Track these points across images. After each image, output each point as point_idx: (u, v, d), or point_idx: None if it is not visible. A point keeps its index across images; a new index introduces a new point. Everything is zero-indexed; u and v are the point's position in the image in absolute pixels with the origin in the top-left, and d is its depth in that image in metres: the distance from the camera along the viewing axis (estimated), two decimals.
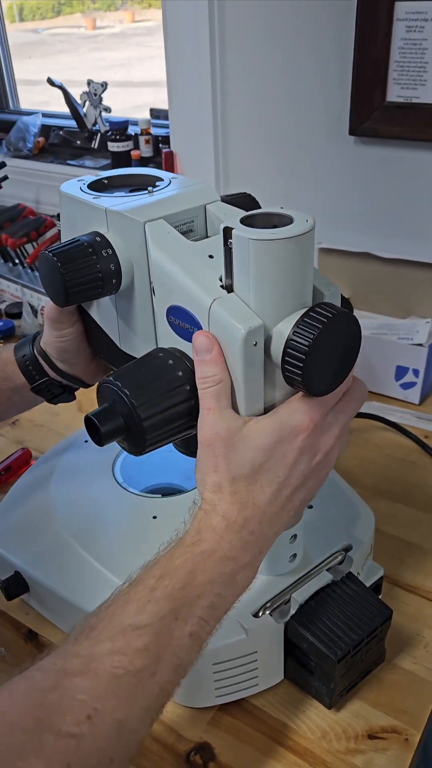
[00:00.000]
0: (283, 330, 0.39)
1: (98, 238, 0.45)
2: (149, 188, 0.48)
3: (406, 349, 0.85)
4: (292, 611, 0.51)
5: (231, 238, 0.39)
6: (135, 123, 1.11)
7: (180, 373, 0.42)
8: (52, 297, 0.47)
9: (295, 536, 0.52)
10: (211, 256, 0.44)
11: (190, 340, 0.42)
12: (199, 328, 0.42)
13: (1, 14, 1.40)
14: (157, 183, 0.50)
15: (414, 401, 0.87)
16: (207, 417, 0.41)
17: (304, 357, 0.38)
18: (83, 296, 0.45)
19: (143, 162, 1.06)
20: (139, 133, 1.08)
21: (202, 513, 0.41)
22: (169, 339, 0.45)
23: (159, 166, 1.03)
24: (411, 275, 0.91)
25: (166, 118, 1.11)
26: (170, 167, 1.02)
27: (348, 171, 0.90)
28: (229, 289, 0.41)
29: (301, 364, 0.38)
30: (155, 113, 1.15)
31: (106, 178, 0.51)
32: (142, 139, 1.07)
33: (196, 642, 0.39)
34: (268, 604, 0.51)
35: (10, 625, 0.60)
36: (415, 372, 0.85)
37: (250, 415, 0.41)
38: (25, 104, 1.46)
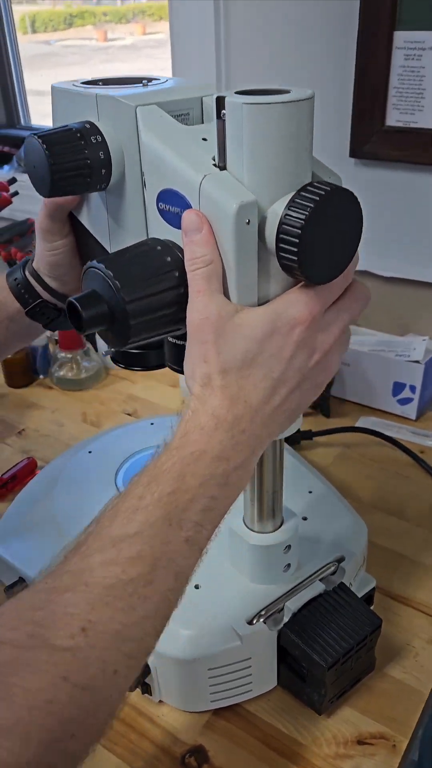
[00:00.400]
0: (277, 210, 0.37)
1: (88, 125, 0.43)
2: (143, 81, 0.46)
3: (403, 365, 0.87)
4: (285, 619, 0.53)
5: (224, 109, 0.37)
6: None
7: (168, 259, 0.39)
8: (37, 186, 0.44)
9: (289, 547, 0.54)
10: (204, 139, 0.41)
11: (175, 224, 0.40)
12: (185, 201, 0.39)
13: (14, 33, 1.44)
14: (153, 80, 0.47)
15: (411, 417, 0.89)
16: (196, 300, 0.38)
17: (299, 234, 0.35)
18: (70, 186, 0.42)
19: None
20: None
21: (190, 413, 0.38)
22: (161, 232, 0.42)
23: None
24: (409, 294, 0.93)
25: None
26: None
27: None
28: (222, 167, 0.38)
29: (297, 242, 0.35)
30: None
31: (101, 78, 0.48)
32: None
33: (193, 548, 0.37)
34: (263, 612, 0.53)
35: None
36: (412, 388, 0.87)
37: (243, 305, 0.39)
38: (35, 115, 1.49)
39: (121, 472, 0.69)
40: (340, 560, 0.57)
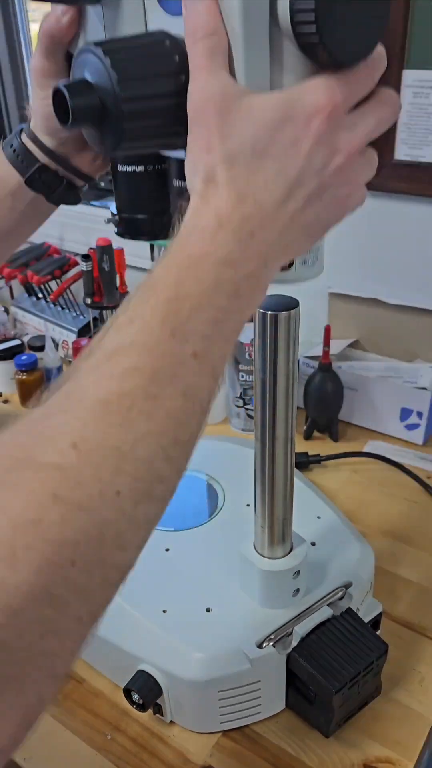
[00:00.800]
0: None
1: None
2: None
3: (410, 392, 0.89)
4: (294, 643, 0.54)
5: None
6: None
7: (177, 58, 0.33)
8: None
9: (298, 572, 0.56)
10: None
11: (174, 10, 0.34)
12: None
13: (30, 49, 1.48)
14: None
15: (418, 442, 0.90)
16: (198, 78, 0.32)
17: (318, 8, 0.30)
18: None
19: None
20: None
21: (190, 213, 0.32)
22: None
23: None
24: (417, 321, 0.95)
25: None
26: None
27: (358, 223, 0.95)
28: None
29: (315, 7, 0.30)
30: None
31: None
32: None
33: (204, 364, 0.31)
34: (272, 636, 0.54)
35: None
36: (419, 414, 0.89)
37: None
38: None
39: None
40: (348, 586, 0.59)
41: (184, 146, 0.33)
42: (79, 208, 1.24)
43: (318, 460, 0.86)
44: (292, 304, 0.46)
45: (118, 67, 0.32)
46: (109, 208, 1.23)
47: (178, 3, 0.33)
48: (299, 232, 0.34)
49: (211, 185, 0.31)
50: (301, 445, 0.91)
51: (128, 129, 0.33)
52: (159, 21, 0.36)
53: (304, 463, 0.86)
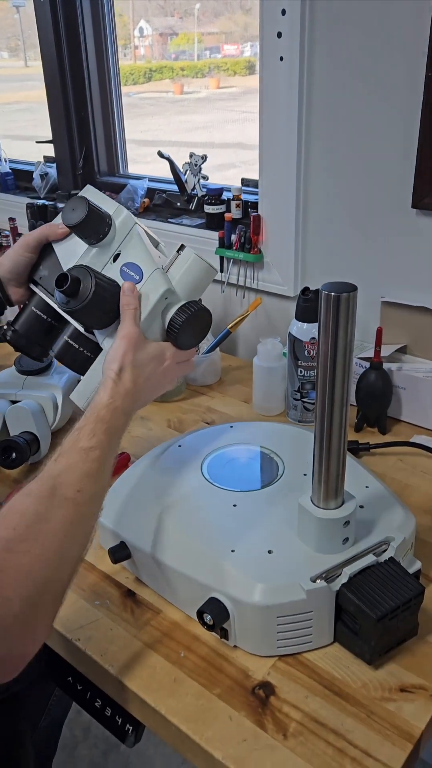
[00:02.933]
0: (175, 306, 0.72)
1: (110, 213, 0.76)
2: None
3: None
4: (343, 581, 0.64)
5: (182, 250, 0.74)
6: (228, 189, 1.30)
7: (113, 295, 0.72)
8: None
9: (348, 522, 0.66)
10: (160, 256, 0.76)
11: (130, 279, 0.73)
12: (140, 274, 0.73)
13: (119, 87, 1.63)
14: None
15: None
16: (125, 322, 0.70)
17: (178, 324, 0.71)
18: (94, 231, 0.74)
19: (234, 223, 1.24)
20: (231, 198, 1.26)
21: (106, 384, 0.67)
22: (110, 273, 0.74)
23: (247, 227, 1.21)
24: None
25: (255, 186, 1.29)
26: (257, 228, 1.20)
27: (410, 239, 1.05)
28: (166, 271, 0.74)
29: (176, 329, 0.71)
30: (245, 182, 1.34)
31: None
32: (233, 204, 1.26)
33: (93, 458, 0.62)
34: (324, 574, 0.64)
35: (114, 584, 0.75)
36: None
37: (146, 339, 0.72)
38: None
39: (206, 462, 0.82)
40: (391, 540, 0.68)
41: (100, 329, 0.74)
42: (158, 224, 1.38)
43: (367, 447, 0.96)
44: (351, 288, 0.56)
45: (97, 291, 0.70)
46: (183, 223, 1.37)
47: (127, 275, 0.73)
48: (148, 399, 0.73)
49: (122, 373, 0.67)
50: (352, 436, 1.00)
51: (87, 311, 0.71)
52: (113, 273, 0.74)
53: (355, 449, 0.95)
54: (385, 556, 0.67)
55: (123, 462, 0.94)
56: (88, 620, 0.71)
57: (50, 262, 0.78)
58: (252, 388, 1.10)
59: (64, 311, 0.72)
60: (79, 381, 0.76)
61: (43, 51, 1.56)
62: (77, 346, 0.76)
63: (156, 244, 0.78)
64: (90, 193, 0.77)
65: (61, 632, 0.70)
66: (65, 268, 0.74)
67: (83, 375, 0.76)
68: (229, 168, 1.31)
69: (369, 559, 0.66)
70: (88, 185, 0.79)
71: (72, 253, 0.76)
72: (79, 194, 0.75)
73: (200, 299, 0.75)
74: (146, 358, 0.70)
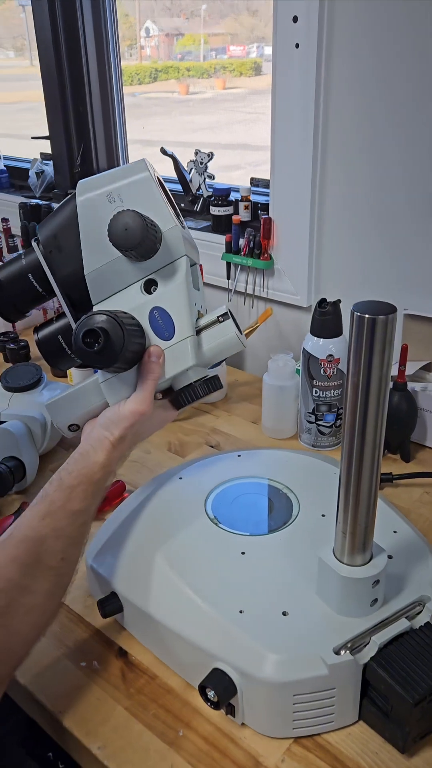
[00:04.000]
0: (193, 379, 0.65)
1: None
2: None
3: None
4: (372, 653, 0.54)
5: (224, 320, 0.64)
6: (236, 190, 1.20)
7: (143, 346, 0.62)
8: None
9: (377, 581, 0.56)
10: (195, 303, 0.64)
11: (158, 331, 0.62)
12: (171, 332, 0.62)
13: (121, 86, 1.55)
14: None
15: None
16: (142, 394, 0.61)
17: (193, 398, 0.65)
18: (147, 251, 0.60)
19: (242, 226, 1.14)
20: (239, 199, 1.17)
21: (102, 447, 0.60)
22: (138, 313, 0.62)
23: (257, 230, 1.12)
24: None
25: (266, 186, 1.20)
26: (267, 232, 1.10)
27: None
28: (198, 332, 0.63)
29: (190, 400, 0.65)
30: (255, 181, 1.25)
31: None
32: (241, 205, 1.16)
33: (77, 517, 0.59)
34: (349, 644, 0.54)
35: (104, 642, 0.66)
36: None
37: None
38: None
39: (211, 498, 0.72)
40: (426, 600, 0.58)
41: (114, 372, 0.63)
42: None
43: (390, 478, 0.86)
44: (389, 309, 0.46)
45: (124, 353, 0.58)
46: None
47: (157, 324, 0.62)
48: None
49: (122, 441, 0.61)
50: None
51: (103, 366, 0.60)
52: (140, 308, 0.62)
53: None
54: (420, 620, 0.57)
55: (117, 491, 0.85)
56: (72, 687, 0.61)
57: (68, 239, 0.62)
58: (261, 407, 1.00)
59: (81, 360, 0.60)
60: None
61: (39, 44, 1.48)
62: (65, 347, 0.67)
63: (192, 264, 0.65)
64: (142, 185, 0.60)
65: (41, 701, 0.60)
66: (87, 266, 0.61)
67: (54, 368, 0.72)
68: (235, 169, 1.22)
69: (401, 625, 0.56)
70: (144, 162, 0.62)
71: (100, 250, 0.61)
72: (128, 207, 0.59)
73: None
74: (145, 426, 0.65)
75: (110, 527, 0.71)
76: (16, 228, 1.43)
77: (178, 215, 0.64)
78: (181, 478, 0.76)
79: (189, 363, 0.62)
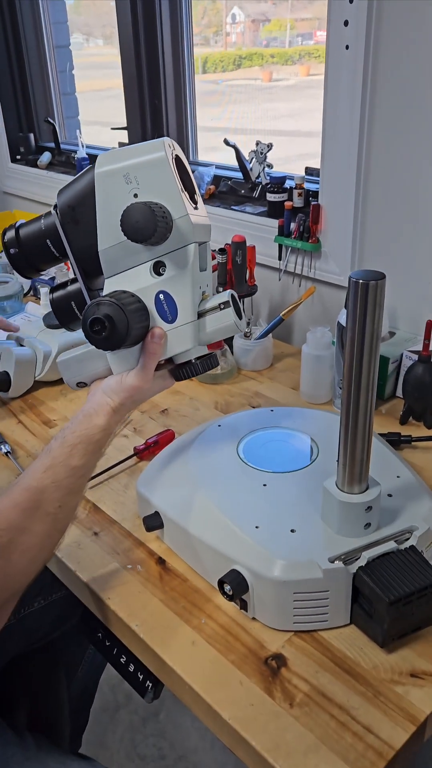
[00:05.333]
0: (192, 356, 0.72)
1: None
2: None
3: None
4: (361, 564, 0.65)
5: (225, 308, 0.70)
6: (291, 178, 1.31)
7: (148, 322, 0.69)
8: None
9: (370, 507, 0.67)
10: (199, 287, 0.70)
11: (162, 314, 0.68)
12: (174, 316, 0.68)
13: (192, 74, 1.65)
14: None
15: None
16: (143, 371, 0.68)
17: (192, 373, 0.72)
18: (160, 236, 0.64)
19: (294, 212, 1.25)
20: (293, 186, 1.27)
21: (103, 410, 0.68)
22: (143, 291, 0.68)
23: (307, 216, 1.22)
24: None
25: (318, 176, 1.30)
26: (316, 218, 1.21)
27: None
28: (199, 315, 0.69)
29: (188, 374, 0.72)
30: (309, 171, 1.35)
31: None
32: (295, 192, 1.27)
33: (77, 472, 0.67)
34: (343, 556, 0.66)
35: (146, 551, 0.80)
36: None
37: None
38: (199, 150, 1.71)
39: (242, 443, 0.84)
40: (414, 529, 0.69)
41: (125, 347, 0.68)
42: (222, 211, 1.41)
43: (409, 440, 0.95)
44: (378, 276, 0.57)
45: (128, 338, 0.65)
46: (245, 211, 1.39)
47: (162, 311, 0.68)
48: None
49: (122, 407, 0.68)
50: (396, 428, 1.00)
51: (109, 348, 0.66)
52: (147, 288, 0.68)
53: (396, 441, 0.95)
54: (407, 545, 0.67)
55: (167, 438, 0.98)
56: (120, 582, 0.75)
57: (85, 212, 0.66)
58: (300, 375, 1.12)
59: (90, 342, 0.65)
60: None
61: (121, 38, 1.60)
62: (76, 311, 0.73)
63: (203, 268, 0.70)
64: (159, 170, 0.63)
65: (94, 590, 0.74)
66: (101, 243, 0.66)
67: (65, 328, 0.76)
68: (314, 157, 1.31)
69: (389, 546, 0.67)
70: (162, 142, 0.63)
71: (114, 229, 0.64)
72: (139, 200, 0.63)
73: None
74: (145, 395, 0.72)
75: (157, 463, 0.85)
76: None
77: (193, 194, 0.68)
78: (219, 426, 0.89)
79: (188, 346, 0.68)
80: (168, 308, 0.68)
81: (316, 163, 1.25)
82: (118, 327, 0.63)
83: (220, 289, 1.21)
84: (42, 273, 0.74)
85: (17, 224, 0.72)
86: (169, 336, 0.69)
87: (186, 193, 0.66)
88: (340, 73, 1.08)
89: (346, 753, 0.56)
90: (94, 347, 0.66)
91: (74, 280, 0.73)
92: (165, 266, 0.67)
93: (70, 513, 0.66)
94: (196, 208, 0.68)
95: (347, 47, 1.06)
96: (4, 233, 0.71)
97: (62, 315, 0.73)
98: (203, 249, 0.70)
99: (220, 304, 0.69)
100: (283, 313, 1.18)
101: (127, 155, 0.65)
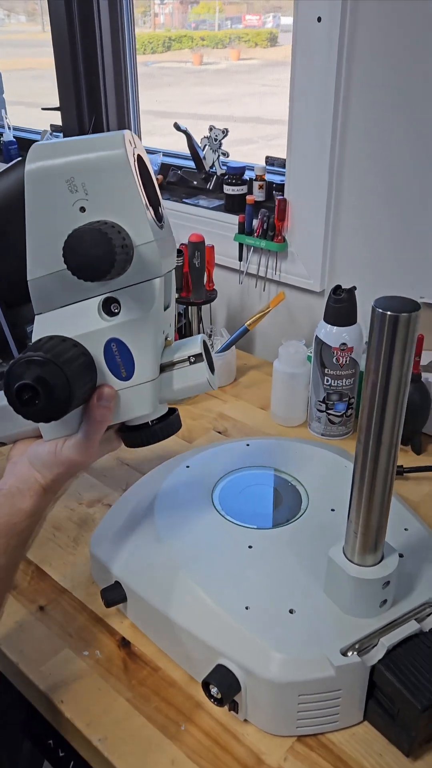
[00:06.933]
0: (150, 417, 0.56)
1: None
2: None
3: None
4: (380, 655, 0.53)
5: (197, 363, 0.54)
6: (251, 168, 1.17)
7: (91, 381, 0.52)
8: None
9: (388, 582, 0.54)
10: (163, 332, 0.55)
11: (113, 368, 0.52)
12: (130, 372, 0.52)
13: (134, 56, 1.50)
14: None
15: None
16: (84, 444, 0.52)
17: (151, 441, 0.57)
18: (120, 269, 0.47)
19: (256, 207, 1.11)
20: (254, 178, 1.14)
21: (41, 490, 0.54)
22: (90, 337, 0.51)
23: (271, 211, 1.09)
24: None
25: (281, 166, 1.16)
26: (282, 214, 1.07)
27: None
28: (163, 369, 0.54)
29: (147, 442, 0.56)
30: (270, 160, 1.21)
31: None
32: (256, 185, 1.13)
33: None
34: (357, 645, 0.53)
35: (107, 631, 0.65)
36: None
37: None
38: None
39: (217, 489, 0.71)
40: None
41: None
42: (172, 204, 1.25)
43: (400, 471, 0.84)
44: (413, 307, 0.44)
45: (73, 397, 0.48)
46: (199, 205, 1.24)
47: (113, 364, 0.52)
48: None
49: (54, 485, 0.54)
50: None
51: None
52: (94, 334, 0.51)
53: None
54: (430, 623, 0.56)
55: None
56: (74, 676, 0.60)
57: (9, 226, 0.52)
58: (270, 392, 0.99)
59: (10, 405, 0.48)
60: None
61: (51, 11, 1.43)
62: None
63: (167, 305, 0.55)
64: (117, 176, 0.47)
65: (42, 690, 0.59)
66: (31, 270, 0.50)
67: None
68: (247, 143, 1.18)
69: (411, 627, 0.55)
70: (122, 136, 0.47)
71: (48, 250, 0.49)
72: (100, 221, 0.47)
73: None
74: (85, 467, 0.57)
75: (115, 515, 0.70)
76: None
77: (158, 208, 0.52)
78: (188, 467, 0.75)
79: (147, 410, 0.53)
80: (122, 362, 0.51)
81: (252, 149, 1.12)
82: (55, 393, 0.46)
83: (176, 295, 1.06)
84: None
85: None
86: (121, 397, 0.52)
87: (151, 209, 0.49)
88: (311, 50, 0.95)
89: None
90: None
91: None
92: (119, 305, 0.50)
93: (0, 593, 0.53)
94: (161, 227, 0.51)
95: (319, 19, 0.92)
96: None
97: None
98: (168, 276, 0.53)
99: (189, 357, 0.54)
100: (248, 322, 1.05)
101: (71, 149, 0.47)
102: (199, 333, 1.02)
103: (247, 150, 1.28)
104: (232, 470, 0.73)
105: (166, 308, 0.54)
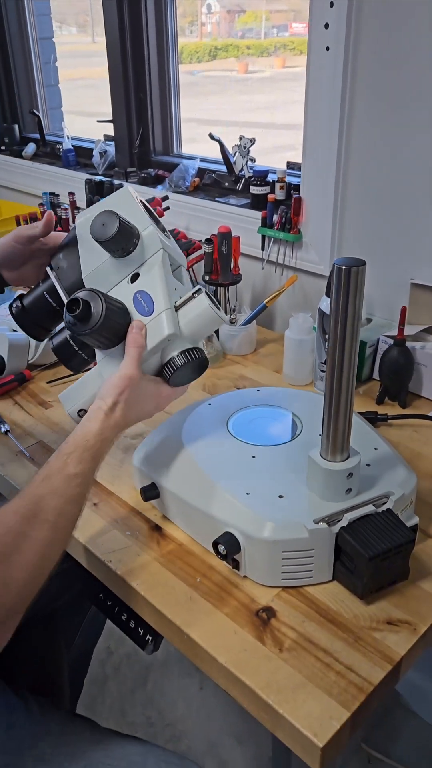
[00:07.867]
0: (177, 350, 0.76)
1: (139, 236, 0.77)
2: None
3: None
4: (343, 524, 0.72)
5: (197, 294, 0.77)
6: (274, 172, 1.37)
7: (126, 324, 0.76)
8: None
9: (351, 474, 0.74)
10: (176, 289, 0.79)
11: (140, 309, 0.76)
12: (151, 309, 0.75)
13: (177, 66, 1.68)
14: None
15: None
16: (129, 362, 0.73)
17: (174, 369, 0.75)
18: (123, 243, 0.75)
19: (276, 204, 1.31)
20: (276, 180, 1.34)
21: (96, 414, 0.71)
22: (125, 298, 0.77)
23: (289, 208, 1.29)
24: None
25: (299, 170, 1.36)
26: (298, 210, 1.27)
27: None
28: (177, 309, 0.77)
29: (172, 371, 0.76)
30: (291, 165, 1.41)
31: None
32: (277, 186, 1.33)
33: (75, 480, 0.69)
34: (326, 518, 0.72)
35: (143, 519, 0.86)
36: None
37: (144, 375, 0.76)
38: None
39: (231, 420, 0.90)
40: (390, 494, 0.76)
41: (105, 348, 0.77)
42: (206, 203, 1.47)
43: (385, 418, 1.03)
44: (360, 263, 0.64)
45: (105, 321, 0.73)
46: (229, 203, 1.44)
47: (139, 304, 0.76)
48: (134, 424, 0.77)
49: (115, 408, 0.72)
50: (373, 408, 1.08)
51: (92, 337, 0.75)
52: (126, 294, 0.78)
53: (372, 419, 1.02)
54: (384, 508, 0.74)
55: None
56: (119, 546, 0.81)
57: (71, 255, 0.80)
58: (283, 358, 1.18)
59: (71, 332, 0.75)
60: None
61: (107, 29, 1.63)
62: (75, 348, 0.81)
63: (176, 267, 0.81)
64: (124, 200, 0.78)
65: (96, 555, 0.80)
66: (84, 271, 0.78)
67: (74, 372, 0.86)
68: (289, 149, 1.37)
69: (368, 509, 0.74)
70: (125, 186, 0.80)
71: (94, 256, 0.78)
72: (110, 208, 0.75)
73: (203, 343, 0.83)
74: (140, 397, 0.74)
75: (152, 437, 0.91)
76: (81, 202, 1.63)
77: (158, 223, 0.79)
78: (210, 404, 0.95)
79: (165, 332, 0.73)
80: (145, 303, 0.75)
81: (293, 155, 1.32)
82: (93, 309, 0.71)
83: (207, 278, 1.27)
84: (50, 331, 0.86)
85: (18, 303, 0.85)
86: (148, 327, 0.75)
87: (154, 222, 0.78)
88: (321, 74, 1.14)
89: (330, 689, 0.63)
90: (87, 373, 0.77)
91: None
92: (140, 275, 0.76)
93: (71, 522, 0.67)
94: (167, 237, 0.80)
95: (327, 49, 1.12)
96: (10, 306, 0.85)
97: (65, 356, 0.83)
98: (180, 270, 0.81)
99: (192, 294, 0.77)
100: (266, 300, 1.25)
101: (98, 207, 0.78)
102: (227, 312, 1.23)
103: (290, 156, 1.46)
104: (244, 407, 0.93)
105: (180, 281, 0.81)
